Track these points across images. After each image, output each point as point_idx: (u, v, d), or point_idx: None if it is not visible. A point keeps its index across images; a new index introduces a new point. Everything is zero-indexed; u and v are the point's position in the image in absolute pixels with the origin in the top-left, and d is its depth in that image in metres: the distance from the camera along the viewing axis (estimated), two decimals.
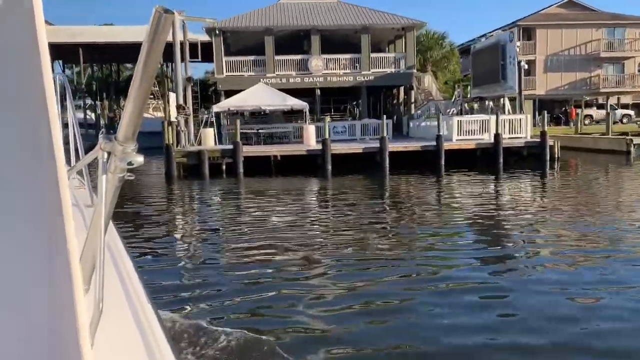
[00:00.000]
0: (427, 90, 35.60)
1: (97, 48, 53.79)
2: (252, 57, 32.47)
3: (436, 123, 27.50)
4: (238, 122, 23.07)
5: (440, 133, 23.08)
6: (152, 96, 62.91)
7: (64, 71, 66.23)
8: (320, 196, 17.84)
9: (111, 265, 1.96)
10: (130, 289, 1.76)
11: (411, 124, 32.34)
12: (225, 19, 31.79)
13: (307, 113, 27.40)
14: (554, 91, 42.66)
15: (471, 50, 31.56)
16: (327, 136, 23.11)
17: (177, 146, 23.09)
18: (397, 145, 23.52)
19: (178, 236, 12.45)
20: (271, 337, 5.66)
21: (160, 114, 60.92)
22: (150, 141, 51.88)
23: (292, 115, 37.44)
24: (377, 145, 23.66)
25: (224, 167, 23.19)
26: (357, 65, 32.80)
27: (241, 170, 22.66)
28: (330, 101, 37.78)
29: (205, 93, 78.99)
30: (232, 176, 22.81)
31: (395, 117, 34.61)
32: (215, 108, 26.25)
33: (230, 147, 23.72)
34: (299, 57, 32.72)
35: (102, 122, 53.65)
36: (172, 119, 23.06)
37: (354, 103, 38.72)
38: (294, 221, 13.06)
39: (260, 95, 27.33)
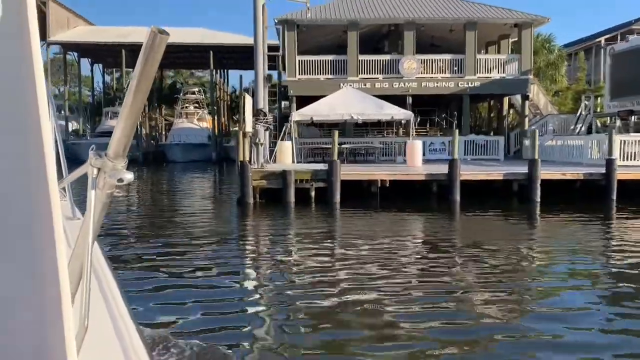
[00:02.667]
0: (533, 102, 29.38)
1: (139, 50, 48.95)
2: (331, 57, 26.77)
3: (574, 143, 21.35)
4: (336, 133, 17.23)
5: (613, 157, 16.85)
6: (196, 104, 57.85)
7: (103, 76, 61.81)
8: (460, 252, 11.72)
9: (95, 282, 1.88)
10: (113, 305, 1.73)
11: (525, 142, 26.15)
12: (301, 9, 26.15)
13: (413, 125, 21.45)
14: None
15: (608, 53, 25.28)
16: (455, 155, 17.10)
17: (252, 163, 17.40)
18: (550, 171, 17.35)
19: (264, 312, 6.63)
20: None
21: (205, 124, 55.86)
22: (195, 154, 46.89)
23: (368, 127, 31.66)
24: (518, 170, 17.64)
25: (312, 192, 17.40)
26: (459, 68, 26.81)
27: (337, 199, 16.83)
28: (415, 112, 31.80)
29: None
30: (323, 205, 17.04)
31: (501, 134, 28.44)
32: (296, 116, 20.46)
33: (320, 167, 17.95)
34: (388, 57, 26.89)
35: (143, 131, 48.63)
36: (248, 128, 17.38)
37: (443, 115, 32.71)
38: (432, 303, 7.11)
39: (350, 102, 21.57)
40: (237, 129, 71.52)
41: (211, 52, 45.31)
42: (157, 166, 43.77)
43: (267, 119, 17.24)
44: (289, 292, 8.02)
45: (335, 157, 16.91)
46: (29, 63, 0.97)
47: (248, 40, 48.04)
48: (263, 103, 17.59)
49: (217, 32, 48.67)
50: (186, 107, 56.68)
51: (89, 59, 54.12)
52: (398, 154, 24.88)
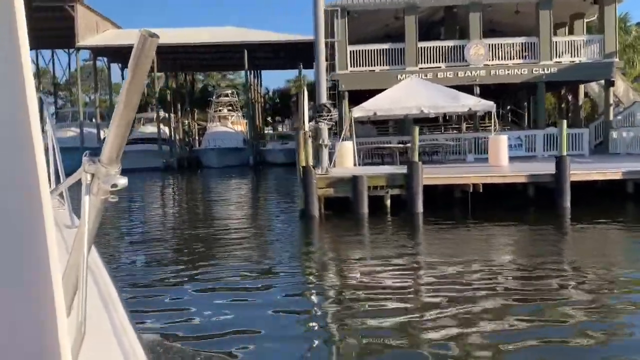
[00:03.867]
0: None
1: (171, 53, 46.77)
2: (386, 45, 23.88)
3: None
4: (417, 129, 14.32)
5: None
6: (230, 107, 55.45)
7: None
8: (585, 282, 8.63)
9: (94, 288, 1.89)
10: (113, 312, 1.72)
11: (613, 135, 22.87)
12: None
13: (495, 117, 18.39)
14: None
15: None
16: (564, 151, 14.02)
17: (312, 168, 14.61)
18: None
19: None
20: None
21: (239, 128, 53.40)
22: (231, 159, 44.42)
23: (425, 123, 28.68)
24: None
25: (388, 201, 14.54)
26: (531, 53, 23.66)
27: (420, 208, 13.95)
28: None
29: (283, 105, 71.45)
30: (401, 217, 14.20)
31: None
32: (356, 112, 17.56)
33: (394, 170, 15.12)
34: (451, 43, 23.87)
35: (176, 136, 46.41)
36: (307, 127, 14.61)
37: (508, 107, 29.51)
38: None
39: (417, 93, 18.65)
40: (270, 130, 69.43)
41: (245, 51, 42.74)
42: (192, 172, 41.47)
43: (331, 114, 14.43)
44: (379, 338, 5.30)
45: (416, 157, 14.01)
46: (18, 69, 0.97)
47: (279, 36, 45.58)
48: (325, 97, 14.78)
49: (247, 30, 46.09)
50: (219, 111, 54.34)
51: (119, 64, 52.19)
52: (469, 151, 21.88)
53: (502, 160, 17.21)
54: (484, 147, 22.39)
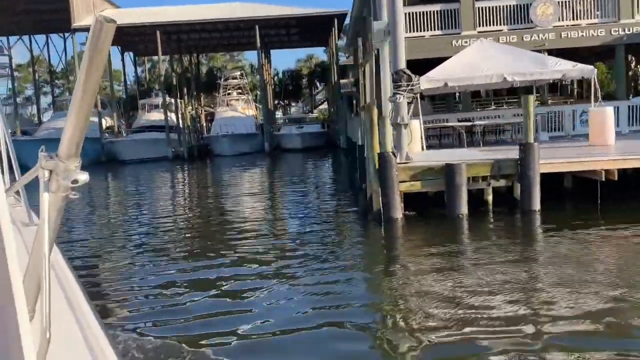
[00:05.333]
0: None
1: (175, 33, 43.03)
2: (437, 6, 20.21)
3: None
4: (531, 99, 10.76)
5: None
6: (239, 90, 51.69)
7: (135, 66, 55.99)
8: None
9: (57, 288, 1.83)
10: (78, 311, 1.67)
11: None
12: None
13: (595, 85, 14.79)
14: None
15: None
16: None
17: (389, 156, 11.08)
18: None
19: None
20: None
21: (251, 112, 49.68)
22: (244, 145, 40.86)
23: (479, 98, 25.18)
24: None
25: (489, 197, 11.08)
26: (604, 11, 20.02)
27: (537, 205, 10.52)
28: None
29: (295, 86, 67.56)
30: (508, 216, 10.81)
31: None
32: (425, 83, 13.91)
33: (499, 155, 11.67)
34: (513, 1, 20.19)
35: (183, 123, 42.81)
36: (387, 101, 11.06)
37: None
38: None
39: (495, 58, 15.08)
40: (280, 114, 65.50)
41: (257, 28, 38.98)
42: (203, 161, 37.99)
43: (412, 84, 10.89)
44: None
45: (532, 137, 10.52)
46: None
47: (293, 10, 41.75)
48: (404, 62, 11.19)
49: (256, 5, 42.18)
50: (229, 94, 50.65)
51: (119, 47, 48.46)
52: (542, 129, 18.38)
53: (609, 138, 13.71)
54: (558, 124, 18.97)
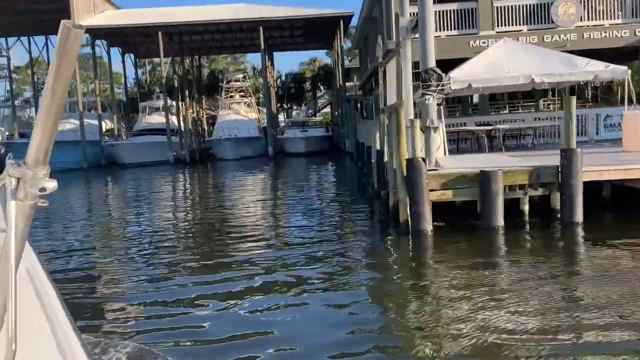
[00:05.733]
0: None
1: (177, 34, 42.24)
2: (454, 5, 19.40)
3: None
4: (573, 101, 9.91)
5: None
6: (242, 92, 50.80)
7: (136, 68, 55.02)
8: None
9: (33, 296, 1.79)
10: (55, 321, 1.62)
11: None
12: None
13: (629, 86, 13.94)
14: None
15: None
16: None
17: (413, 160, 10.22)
18: None
19: None
20: None
21: (253, 115, 48.74)
22: (247, 149, 40.00)
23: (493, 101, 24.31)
24: None
25: (526, 207, 10.23)
26: (632, 11, 19.23)
27: (579, 216, 9.68)
28: None
29: (298, 89, 66.67)
30: (547, 229, 9.98)
31: None
32: (454, 84, 13.01)
33: (543, 162, 10.83)
34: (534, 0, 19.37)
35: (185, 126, 41.97)
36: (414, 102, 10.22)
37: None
38: None
39: (520, 59, 14.23)
40: (282, 117, 64.59)
41: (261, 29, 38.15)
42: (205, 165, 37.11)
43: (442, 84, 10.03)
44: None
45: (574, 142, 9.66)
46: None
47: (297, 11, 40.86)
48: (433, 60, 10.33)
49: (260, 6, 41.31)
50: (231, 97, 49.78)
51: (120, 49, 47.59)
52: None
53: None
54: (581, 128, 18.12)
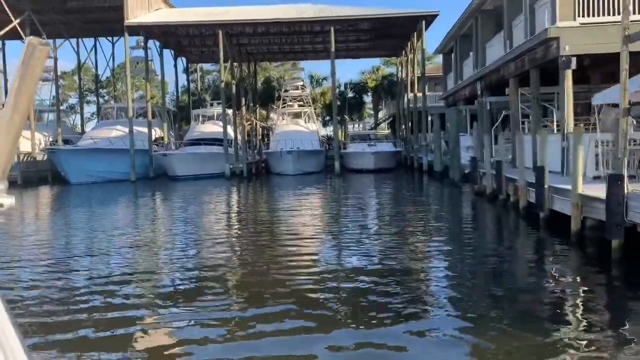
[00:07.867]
0: None
1: (235, 35, 40.88)
2: None
3: None
4: None
5: None
6: (300, 102, 48.99)
7: (187, 73, 54.01)
8: None
9: None
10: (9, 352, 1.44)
11: None
12: None
13: None
14: None
15: None
16: None
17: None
18: None
19: None
20: None
21: (314, 126, 46.65)
22: (310, 164, 37.58)
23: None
24: None
25: None
26: None
27: None
28: None
29: (357, 100, 64.63)
30: None
31: None
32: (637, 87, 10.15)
33: None
34: None
35: (242, 137, 40.38)
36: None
37: None
38: None
39: None
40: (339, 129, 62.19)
41: (332, 30, 36.22)
42: (264, 181, 35.22)
43: None
44: None
45: None
46: None
47: (371, 11, 38.78)
48: None
49: (331, 6, 39.48)
50: (290, 106, 48.12)
51: (172, 52, 46.64)
52: None
53: None
54: None
